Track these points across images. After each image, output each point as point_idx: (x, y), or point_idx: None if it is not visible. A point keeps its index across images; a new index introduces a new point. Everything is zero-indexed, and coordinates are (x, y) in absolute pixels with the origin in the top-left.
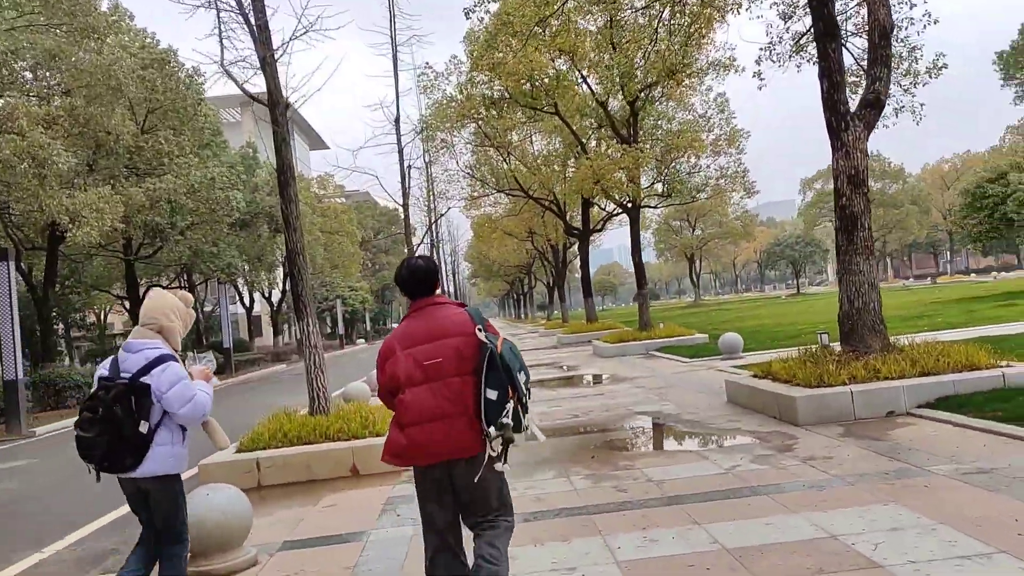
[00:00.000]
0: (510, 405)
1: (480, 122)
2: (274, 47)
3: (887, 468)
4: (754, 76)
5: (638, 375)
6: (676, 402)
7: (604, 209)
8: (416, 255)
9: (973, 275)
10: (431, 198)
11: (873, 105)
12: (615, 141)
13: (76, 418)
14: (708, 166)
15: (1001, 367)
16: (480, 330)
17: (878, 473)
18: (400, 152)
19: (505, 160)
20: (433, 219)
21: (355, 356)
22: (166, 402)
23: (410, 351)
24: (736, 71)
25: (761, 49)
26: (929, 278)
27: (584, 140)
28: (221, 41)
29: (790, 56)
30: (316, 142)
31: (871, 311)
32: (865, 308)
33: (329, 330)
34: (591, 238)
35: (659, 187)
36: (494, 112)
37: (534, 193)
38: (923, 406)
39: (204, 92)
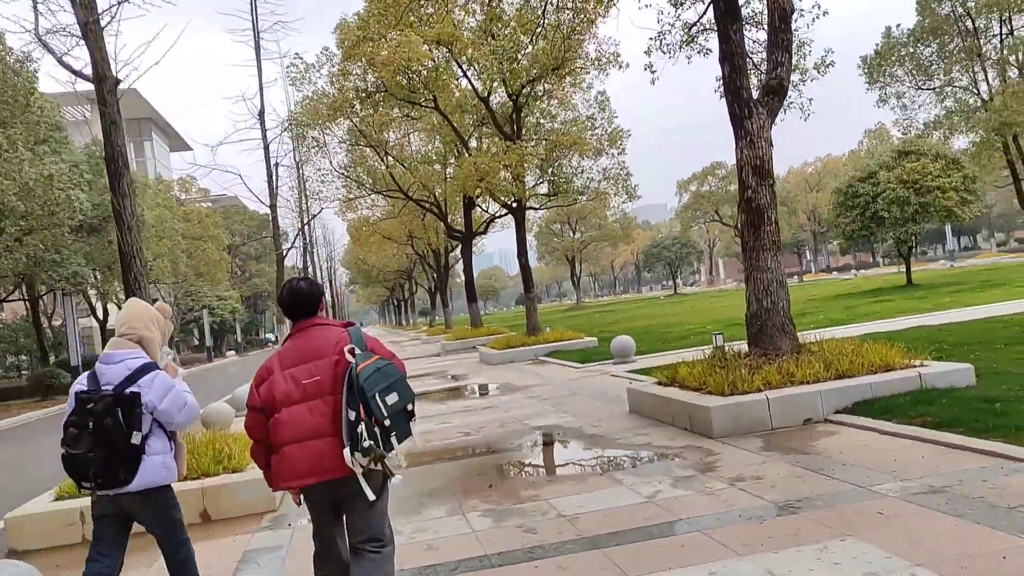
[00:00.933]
0: (362, 427)
1: (355, 119)
2: (99, 11)
3: (828, 489)
4: (645, 69)
5: (530, 383)
6: (576, 414)
7: (487, 211)
8: (299, 277)
9: (835, 272)
10: (303, 199)
11: (776, 91)
12: (498, 138)
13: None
14: (591, 167)
15: (916, 367)
16: (350, 350)
17: (820, 496)
18: (266, 148)
19: (382, 160)
20: (305, 220)
21: (225, 370)
22: (163, 413)
23: (289, 371)
24: (620, 67)
25: (651, 39)
26: (796, 276)
27: (466, 138)
28: (35, 5)
29: (680, 47)
30: (178, 143)
31: (780, 310)
32: (774, 307)
33: (197, 342)
34: (474, 241)
35: (544, 187)
36: (370, 109)
37: (414, 194)
38: (842, 411)
39: (38, 79)
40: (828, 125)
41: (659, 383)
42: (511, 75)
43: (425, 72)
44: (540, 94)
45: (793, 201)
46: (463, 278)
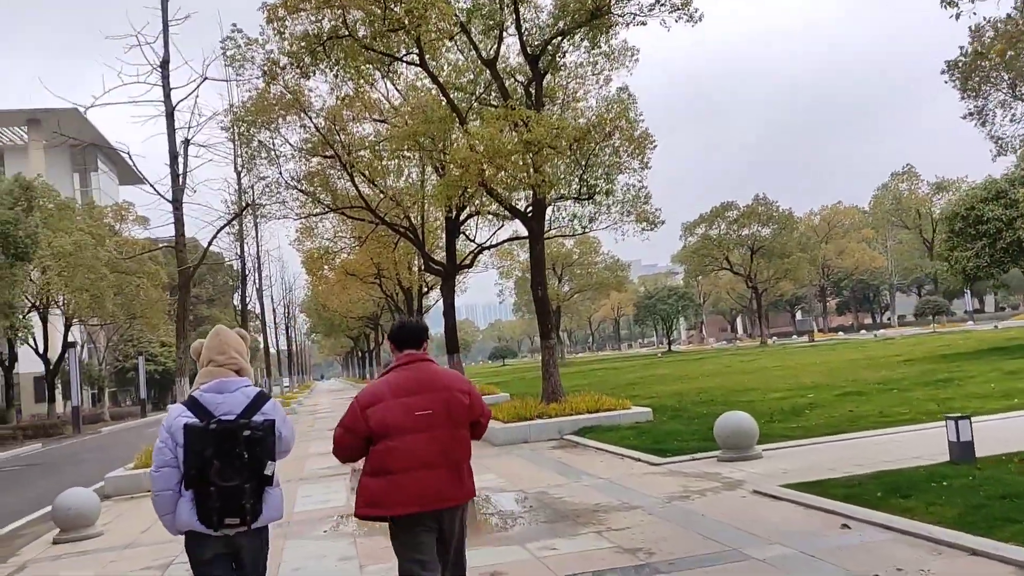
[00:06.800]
0: None
1: (311, 115)
2: None
3: None
4: None
5: (594, 501)
6: None
7: (472, 240)
8: (409, 317)
9: (841, 333)
10: (242, 212)
11: None
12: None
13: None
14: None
15: None
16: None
17: None
18: (169, 116)
19: (346, 168)
20: (241, 208)
21: (141, 432)
22: (284, 441)
23: (401, 400)
24: (691, 19)
25: None
26: (805, 335)
27: (463, 115)
28: None
29: None
30: (129, 175)
31: None
32: None
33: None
34: (458, 278)
35: (574, 188)
36: (327, 71)
37: (385, 215)
38: None
39: None
40: (826, 175)
41: None
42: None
43: (404, 4)
44: (564, 59)
45: (813, 248)
46: (431, 330)
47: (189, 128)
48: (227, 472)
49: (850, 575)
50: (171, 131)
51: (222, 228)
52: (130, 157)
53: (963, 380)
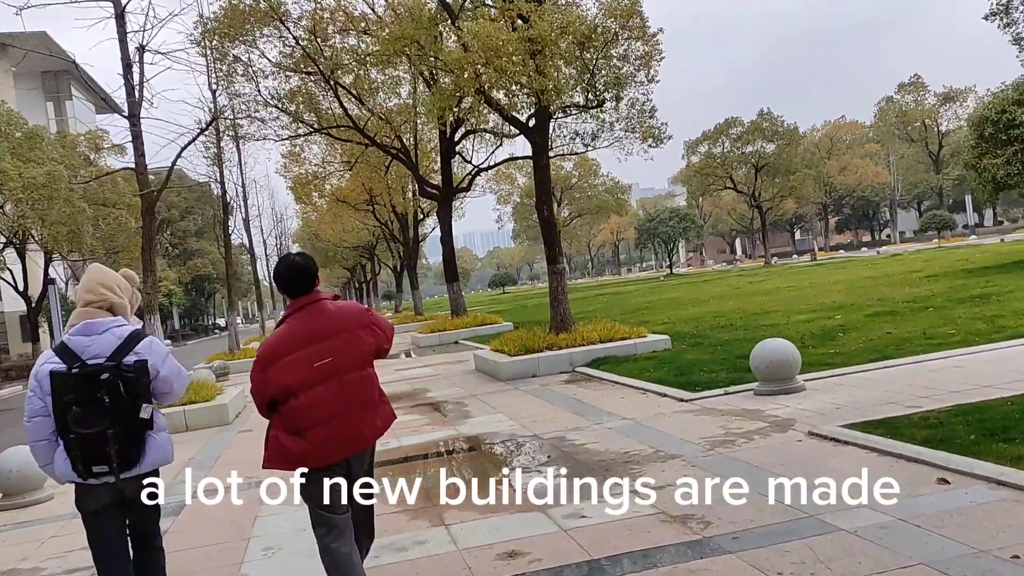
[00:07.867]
0: None
1: (289, 25)
2: None
3: None
4: None
5: (628, 450)
6: None
7: (470, 162)
8: (294, 253)
9: (842, 251)
10: (219, 136)
11: None
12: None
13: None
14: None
15: None
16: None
17: None
18: (119, 16)
19: (330, 85)
20: (210, 120)
21: None
22: (163, 381)
23: (298, 354)
24: None
25: None
26: (805, 255)
27: (455, 13)
28: None
29: None
30: (104, 105)
31: None
32: None
33: None
34: (455, 203)
35: (577, 97)
36: None
37: (375, 134)
38: None
39: None
40: (832, 90)
41: None
42: None
43: None
44: None
45: (819, 164)
46: (428, 259)
47: (144, 32)
48: (87, 418)
49: (980, 555)
50: (122, 36)
51: (188, 144)
52: (77, 67)
53: (1002, 296)
